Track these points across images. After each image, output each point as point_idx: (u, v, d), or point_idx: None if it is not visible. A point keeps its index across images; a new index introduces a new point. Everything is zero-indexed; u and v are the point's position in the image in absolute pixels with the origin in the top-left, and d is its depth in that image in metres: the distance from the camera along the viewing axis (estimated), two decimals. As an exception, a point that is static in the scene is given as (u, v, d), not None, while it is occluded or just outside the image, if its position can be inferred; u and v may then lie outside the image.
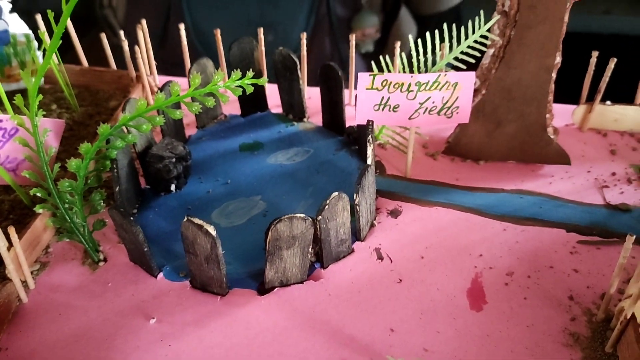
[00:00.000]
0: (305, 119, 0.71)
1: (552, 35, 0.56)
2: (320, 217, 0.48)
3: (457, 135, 0.64)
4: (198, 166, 0.64)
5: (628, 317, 0.46)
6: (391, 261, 0.54)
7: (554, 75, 0.58)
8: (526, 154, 0.64)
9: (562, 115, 0.71)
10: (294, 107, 0.71)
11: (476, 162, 0.65)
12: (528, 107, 0.60)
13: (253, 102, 0.71)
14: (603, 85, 0.65)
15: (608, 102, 0.68)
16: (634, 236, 0.44)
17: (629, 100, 0.68)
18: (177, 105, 0.51)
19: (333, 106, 0.66)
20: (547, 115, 0.61)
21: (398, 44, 0.65)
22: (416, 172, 0.64)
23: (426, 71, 0.62)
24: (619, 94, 0.70)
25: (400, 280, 0.52)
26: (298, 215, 0.46)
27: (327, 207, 0.48)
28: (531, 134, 0.62)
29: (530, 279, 0.53)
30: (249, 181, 0.62)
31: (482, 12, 0.59)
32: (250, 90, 0.50)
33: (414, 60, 0.61)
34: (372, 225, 0.57)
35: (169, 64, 0.92)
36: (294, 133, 0.69)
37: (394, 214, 0.59)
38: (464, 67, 0.60)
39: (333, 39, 1.43)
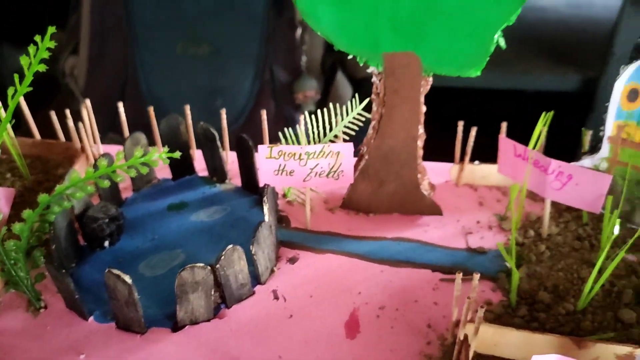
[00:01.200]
0: (227, 181, 0.83)
1: (413, 113, 0.69)
2: (218, 265, 0.59)
3: (349, 193, 0.77)
4: (131, 225, 0.76)
5: (461, 338, 0.58)
6: (285, 300, 0.66)
7: (419, 143, 0.72)
8: (406, 207, 0.76)
9: (443, 172, 0.85)
10: (216, 171, 0.83)
11: (367, 215, 0.78)
12: (402, 169, 0.73)
13: (182, 167, 0.83)
14: (469, 149, 0.79)
15: (476, 162, 0.82)
16: (479, 274, 0.57)
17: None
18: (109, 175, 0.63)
19: (247, 170, 0.79)
20: (419, 175, 0.74)
21: (302, 120, 0.78)
22: (316, 224, 0.77)
23: (319, 141, 0.75)
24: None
25: (291, 315, 0.64)
26: (198, 264, 0.58)
27: (223, 257, 0.59)
28: (407, 191, 0.75)
29: (398, 311, 0.65)
30: (173, 237, 0.73)
31: (357, 95, 0.73)
32: (166, 162, 0.62)
33: (310, 132, 0.75)
34: (273, 271, 0.69)
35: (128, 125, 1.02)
36: (216, 193, 0.81)
37: (292, 260, 0.71)
38: (348, 138, 0.74)
39: (277, 101, 1.57)
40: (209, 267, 0.58)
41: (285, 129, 0.78)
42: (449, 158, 0.83)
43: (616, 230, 0.59)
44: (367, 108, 0.76)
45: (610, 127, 0.67)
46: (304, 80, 1.55)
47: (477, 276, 0.56)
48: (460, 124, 0.79)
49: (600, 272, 0.68)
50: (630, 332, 0.61)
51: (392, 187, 0.75)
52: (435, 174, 0.85)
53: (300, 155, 0.69)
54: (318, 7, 0.64)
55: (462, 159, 0.82)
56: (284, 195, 0.82)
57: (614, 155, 0.68)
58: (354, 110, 0.75)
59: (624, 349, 0.56)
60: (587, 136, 0.74)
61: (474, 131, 0.78)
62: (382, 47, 0.66)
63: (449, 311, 0.65)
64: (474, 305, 0.64)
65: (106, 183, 0.62)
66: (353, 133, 0.77)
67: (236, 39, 1.50)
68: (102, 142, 0.90)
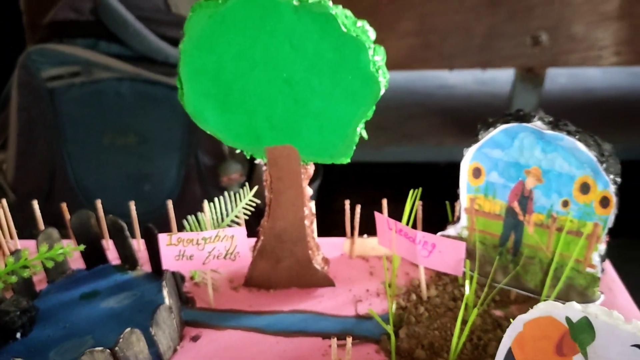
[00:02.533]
0: (138, 267, 0.89)
1: (298, 197, 0.78)
2: (117, 348, 0.65)
3: (249, 271, 0.84)
4: (44, 315, 0.80)
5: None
6: (187, 376, 0.71)
7: (307, 222, 0.81)
8: (302, 281, 0.84)
9: (339, 246, 0.94)
10: (128, 259, 0.89)
11: (267, 291, 0.85)
12: (295, 247, 0.82)
13: (95, 257, 0.89)
14: (356, 223, 0.88)
15: (365, 236, 0.91)
16: (351, 337, 0.64)
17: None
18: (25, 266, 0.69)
19: (155, 256, 0.85)
20: (310, 252, 0.82)
21: (206, 207, 0.86)
22: (220, 302, 0.83)
23: (219, 226, 0.83)
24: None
25: (192, 390, 0.69)
26: (97, 349, 0.63)
27: (121, 339, 0.65)
28: (302, 266, 0.83)
29: (290, 378, 0.71)
30: (83, 324, 0.78)
31: (247, 184, 0.82)
32: (71, 256, 0.68)
33: (210, 218, 0.83)
34: (175, 350, 0.75)
35: (56, 215, 1.06)
36: (127, 280, 0.87)
37: (195, 338, 0.77)
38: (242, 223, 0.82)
39: (202, 185, 1.65)
40: (108, 351, 0.64)
41: (189, 216, 0.86)
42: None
43: (467, 289, 0.68)
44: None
45: (464, 200, 0.78)
46: (228, 164, 1.65)
47: (349, 339, 0.64)
48: (347, 203, 0.88)
49: (470, 328, 0.77)
50: (493, 380, 0.70)
51: (287, 263, 0.83)
52: (332, 248, 0.94)
53: (197, 240, 0.77)
54: (204, 111, 0.74)
55: (352, 233, 0.91)
56: (192, 278, 0.88)
57: (471, 224, 0.79)
58: (246, 197, 0.84)
59: (482, 396, 0.65)
60: (456, 206, 0.85)
61: (358, 208, 0.87)
62: (263, 142, 0.75)
63: (337, 374, 0.71)
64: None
65: (13, 278, 0.67)
66: (246, 217, 0.85)
67: (161, 128, 1.59)
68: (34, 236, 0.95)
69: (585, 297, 0.73)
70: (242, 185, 1.70)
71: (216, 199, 0.84)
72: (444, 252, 0.74)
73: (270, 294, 0.85)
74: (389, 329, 0.71)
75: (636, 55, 1.70)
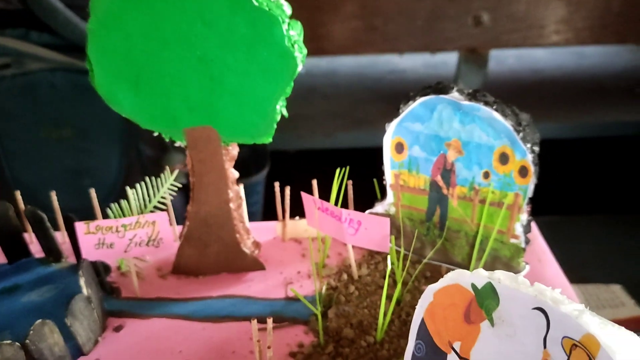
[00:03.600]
0: (62, 260, 0.86)
1: (221, 179, 0.76)
2: (27, 340, 0.62)
3: (177, 258, 0.82)
4: (-41, 313, 0.77)
5: (262, 380, 0.63)
6: (107, 368, 0.69)
7: (232, 206, 0.79)
8: (231, 266, 0.82)
9: (272, 230, 0.92)
10: (52, 251, 0.86)
11: (196, 277, 0.83)
12: (221, 232, 0.80)
13: (16, 250, 0.86)
14: (287, 206, 0.87)
15: (297, 218, 0.89)
16: (271, 319, 0.63)
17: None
18: None
19: (77, 246, 0.82)
20: (238, 236, 0.81)
21: (129, 192, 0.83)
22: (147, 291, 0.81)
23: (141, 213, 0.80)
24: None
25: (112, 382, 0.67)
26: (5, 342, 0.60)
27: (32, 332, 0.62)
28: (230, 251, 0.81)
29: (216, 364, 0.69)
30: (1, 319, 0.75)
31: (167, 167, 0.79)
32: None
33: (134, 204, 0.80)
34: (97, 341, 0.72)
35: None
36: (49, 273, 0.84)
37: (118, 329, 0.74)
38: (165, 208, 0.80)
39: (145, 177, 1.61)
40: (17, 344, 0.61)
41: (112, 204, 0.83)
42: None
43: (389, 265, 0.68)
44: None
45: (389, 176, 0.77)
46: (171, 155, 1.61)
47: (269, 320, 0.62)
48: (277, 185, 0.86)
49: (399, 304, 0.76)
50: (420, 355, 0.69)
51: (215, 248, 0.81)
52: (266, 232, 0.92)
53: (117, 228, 0.74)
54: (117, 93, 0.71)
55: (283, 216, 0.89)
56: (119, 268, 0.85)
57: (397, 200, 0.78)
58: (167, 181, 0.81)
59: (406, 371, 0.64)
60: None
61: (287, 190, 0.86)
62: (181, 124, 0.73)
63: (263, 357, 0.70)
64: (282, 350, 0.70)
65: None
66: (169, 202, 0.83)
67: (98, 120, 1.54)
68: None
69: (510, 268, 0.73)
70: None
71: (138, 185, 0.82)
72: (370, 229, 0.73)
73: (199, 281, 0.83)
74: (316, 309, 0.70)
75: (575, 34, 1.72)
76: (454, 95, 0.67)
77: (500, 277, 0.47)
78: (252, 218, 0.93)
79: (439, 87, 0.69)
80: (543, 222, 0.96)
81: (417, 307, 0.53)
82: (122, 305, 0.78)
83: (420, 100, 0.70)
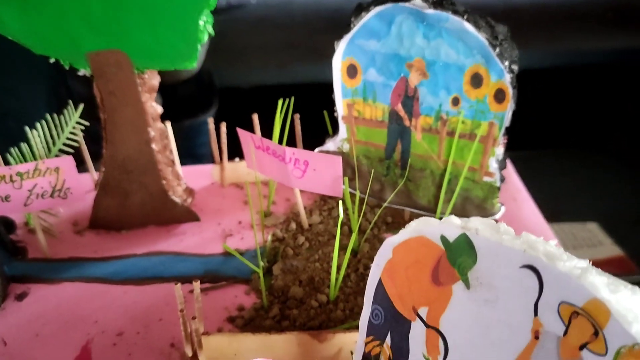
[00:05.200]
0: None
1: (138, 114, 0.63)
2: None
3: (94, 211, 0.69)
4: None
5: (189, 355, 0.52)
6: (5, 344, 0.57)
7: (154, 146, 0.66)
8: (159, 217, 0.70)
9: (208, 174, 0.80)
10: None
11: (118, 232, 0.71)
12: (144, 178, 0.67)
13: None
14: (224, 146, 0.74)
15: (237, 159, 0.77)
16: (199, 282, 0.51)
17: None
18: None
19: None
20: (165, 182, 0.68)
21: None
22: (59, 250, 0.68)
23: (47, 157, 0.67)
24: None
25: (13, 362, 0.55)
26: None
27: None
28: (156, 200, 0.69)
29: (139, 334, 0.58)
30: None
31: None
32: None
33: (35, 149, 0.66)
34: (-6, 313, 0.60)
35: None
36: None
37: (21, 297, 0.62)
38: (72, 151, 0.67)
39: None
40: None
41: (12, 148, 0.69)
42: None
43: (341, 211, 0.57)
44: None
45: (341, 106, 0.65)
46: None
47: (196, 283, 0.51)
48: (211, 121, 0.73)
49: (355, 255, 0.66)
50: (380, 314, 0.59)
51: (138, 197, 0.69)
52: (201, 177, 0.80)
53: (11, 177, 0.61)
54: (1, 12, 0.56)
55: (221, 158, 0.77)
56: (27, 223, 0.72)
57: (351, 134, 0.66)
58: (72, 119, 0.67)
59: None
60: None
61: (224, 127, 0.73)
62: (83, 47, 0.59)
63: (190, 328, 0.59)
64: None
65: None
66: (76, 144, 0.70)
67: (20, 54, 1.37)
68: None
69: (483, 211, 0.63)
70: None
71: (39, 125, 0.68)
72: (319, 171, 0.62)
73: (121, 236, 0.71)
74: (256, 267, 0.59)
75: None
76: (416, 2, 0.55)
77: (478, 227, 0.36)
78: (202, 161, 0.80)
79: (398, -7, 0.56)
80: (512, 157, 0.86)
81: (372, 265, 0.42)
82: (28, 268, 0.66)
83: (375, 10, 0.57)
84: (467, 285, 0.37)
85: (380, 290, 0.43)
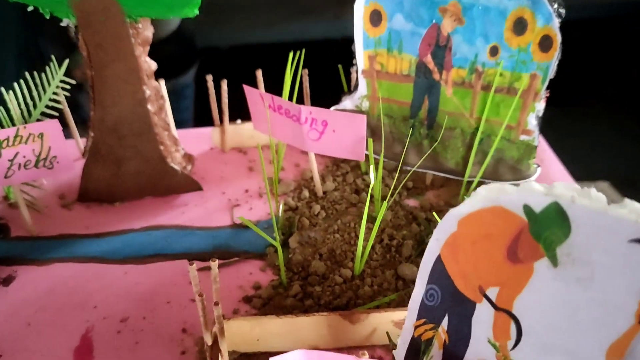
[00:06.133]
0: None
1: (131, 71, 0.55)
2: None
3: (83, 181, 0.62)
4: None
5: (209, 344, 0.46)
6: (-7, 336, 0.50)
7: (150, 107, 0.58)
8: (157, 188, 0.63)
9: (207, 138, 0.72)
10: None
11: (112, 205, 0.64)
12: (139, 143, 0.60)
13: None
14: (225, 107, 0.67)
15: (238, 121, 0.70)
16: (217, 261, 0.44)
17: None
18: None
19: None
20: (163, 148, 0.61)
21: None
22: (46, 227, 0.61)
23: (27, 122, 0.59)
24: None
25: (1, 355, 0.49)
26: None
27: None
28: (153, 167, 0.61)
29: (145, 320, 0.52)
30: None
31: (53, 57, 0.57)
32: None
33: (13, 112, 0.58)
34: (-24, 301, 0.53)
35: None
36: None
37: (7, 281, 0.55)
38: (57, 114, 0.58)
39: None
40: None
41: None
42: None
43: (372, 177, 0.50)
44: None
45: (361, 59, 0.58)
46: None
47: (214, 264, 0.44)
48: (209, 78, 0.66)
49: (380, 226, 0.60)
50: (411, 289, 0.53)
51: (133, 165, 0.61)
52: (199, 141, 0.72)
53: (-12, 145, 0.53)
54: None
55: (221, 120, 0.69)
56: (6, 197, 0.64)
57: (373, 91, 0.59)
58: (56, 77, 0.59)
59: (400, 315, 0.48)
60: (353, 74, 0.65)
61: (224, 84, 0.65)
62: (65, -8, 0.50)
63: (208, 306, 0.53)
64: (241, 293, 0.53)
65: None
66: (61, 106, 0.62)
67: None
68: None
69: (518, 172, 0.58)
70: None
71: (16, 85, 0.59)
72: (339, 132, 0.55)
73: (115, 209, 0.63)
74: (273, 239, 0.53)
75: None
76: None
77: (574, 195, 0.30)
78: (182, 127, 0.73)
79: None
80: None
81: (431, 240, 0.37)
82: (11, 248, 0.58)
83: (407, -54, 0.50)
84: (555, 262, 0.32)
85: (438, 268, 0.37)
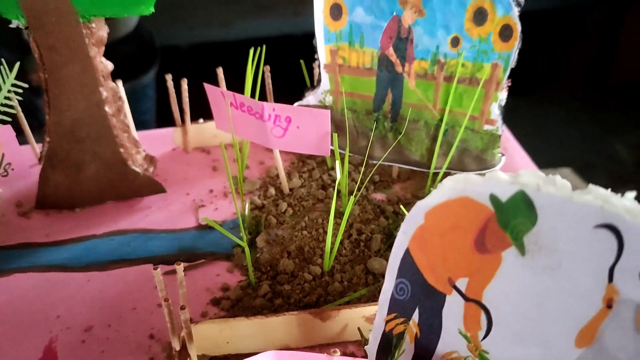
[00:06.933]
0: None
1: (87, 72, 0.54)
2: None
3: (40, 188, 0.60)
4: None
5: (177, 349, 0.45)
6: (-51, 353, 0.48)
7: (108, 109, 0.56)
8: (119, 191, 0.61)
9: (169, 138, 0.71)
10: None
11: (72, 211, 0.62)
12: (98, 146, 0.58)
13: None
14: (186, 107, 0.66)
15: (201, 120, 0.69)
16: (182, 264, 0.43)
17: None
18: None
19: None
20: (123, 150, 0.59)
21: None
22: (4, 236, 0.59)
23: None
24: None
25: (-41, 372, 0.47)
26: None
27: None
28: (114, 171, 0.60)
29: (110, 328, 0.50)
30: None
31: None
32: None
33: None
34: None
35: None
36: None
37: (-37, 295, 0.53)
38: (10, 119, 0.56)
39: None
40: None
41: None
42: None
43: (338, 172, 0.50)
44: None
45: (323, 53, 0.57)
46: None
47: (180, 267, 0.43)
48: (169, 78, 0.64)
49: (348, 222, 0.59)
50: (381, 283, 0.53)
51: (92, 169, 0.59)
52: (162, 142, 0.71)
53: (-64, 154, 0.50)
54: None
55: (183, 120, 0.68)
56: (-40, 208, 0.62)
57: (336, 85, 0.59)
58: (7, 81, 0.57)
59: (371, 310, 0.48)
60: (315, 69, 0.64)
61: (185, 83, 0.64)
62: (13, -9, 0.48)
63: (175, 310, 0.52)
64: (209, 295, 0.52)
65: None
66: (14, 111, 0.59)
67: None
68: None
69: (483, 162, 0.58)
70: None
71: (-35, 90, 0.57)
72: (304, 128, 0.54)
73: (76, 215, 0.62)
74: (240, 240, 0.52)
75: None
76: None
77: (539, 183, 0.30)
78: (145, 128, 0.72)
79: None
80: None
81: (398, 233, 0.36)
82: (-33, 260, 0.56)
83: (365, -63, 0.49)
84: (522, 251, 0.32)
85: (407, 262, 0.37)
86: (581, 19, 1.94)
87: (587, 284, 0.30)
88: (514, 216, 0.31)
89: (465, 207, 0.32)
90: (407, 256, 0.37)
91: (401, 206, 0.53)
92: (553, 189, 0.29)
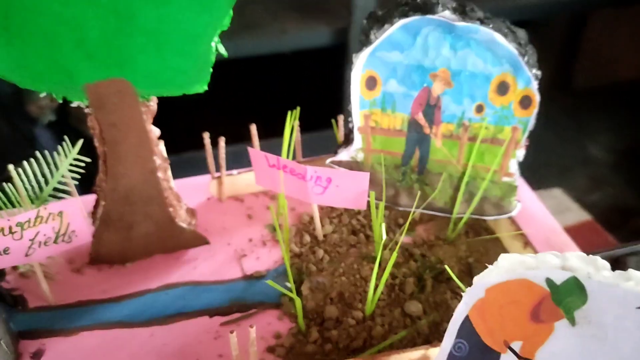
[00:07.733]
0: None
1: (143, 145, 0.58)
2: None
3: (94, 246, 0.64)
4: None
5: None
6: (34, 415, 0.52)
7: (160, 174, 0.61)
8: (167, 245, 0.66)
9: (203, 188, 0.75)
10: None
11: (123, 266, 0.66)
12: (150, 207, 0.62)
13: None
14: (222, 161, 0.70)
15: (234, 172, 0.73)
16: (254, 327, 0.48)
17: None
18: None
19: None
20: (171, 210, 0.64)
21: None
22: (62, 294, 0.63)
23: (37, 200, 0.60)
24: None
25: None
26: None
27: None
28: (163, 228, 0.64)
29: (178, 380, 0.55)
30: None
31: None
32: None
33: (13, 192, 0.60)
34: (11, 379, 0.55)
35: None
36: None
37: (37, 356, 0.57)
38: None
39: (6, 118, 1.33)
40: None
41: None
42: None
43: (383, 231, 0.56)
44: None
45: (357, 117, 0.63)
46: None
47: (252, 329, 0.49)
48: (206, 136, 0.69)
49: (380, 265, 0.65)
50: (418, 324, 0.59)
51: (144, 228, 0.64)
52: (195, 191, 0.75)
53: (10, 228, 0.54)
54: (-22, 45, 0.49)
55: (218, 171, 0.73)
56: (15, 268, 0.66)
57: (367, 144, 0.64)
58: (69, 156, 0.61)
59: (416, 354, 0.54)
60: (340, 126, 0.70)
61: (222, 141, 0.69)
62: (80, 79, 0.53)
63: (239, 360, 0.57)
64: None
65: None
66: (76, 182, 0.63)
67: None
68: None
69: (500, 208, 0.64)
70: (58, 110, 1.40)
71: (26, 163, 0.61)
72: (343, 186, 0.60)
73: (127, 270, 0.66)
74: (288, 290, 0.57)
75: None
76: (445, 14, 0.53)
77: (589, 271, 0.36)
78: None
79: (419, 3, 0.54)
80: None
81: (460, 304, 0.42)
82: (34, 320, 0.60)
83: (400, 23, 0.55)
84: (573, 322, 0.38)
85: (466, 326, 0.43)
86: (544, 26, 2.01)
87: (630, 354, 0.37)
88: (567, 296, 0.37)
89: (524, 287, 0.39)
90: (466, 321, 0.43)
91: (425, 253, 0.58)
92: (601, 277, 0.36)
